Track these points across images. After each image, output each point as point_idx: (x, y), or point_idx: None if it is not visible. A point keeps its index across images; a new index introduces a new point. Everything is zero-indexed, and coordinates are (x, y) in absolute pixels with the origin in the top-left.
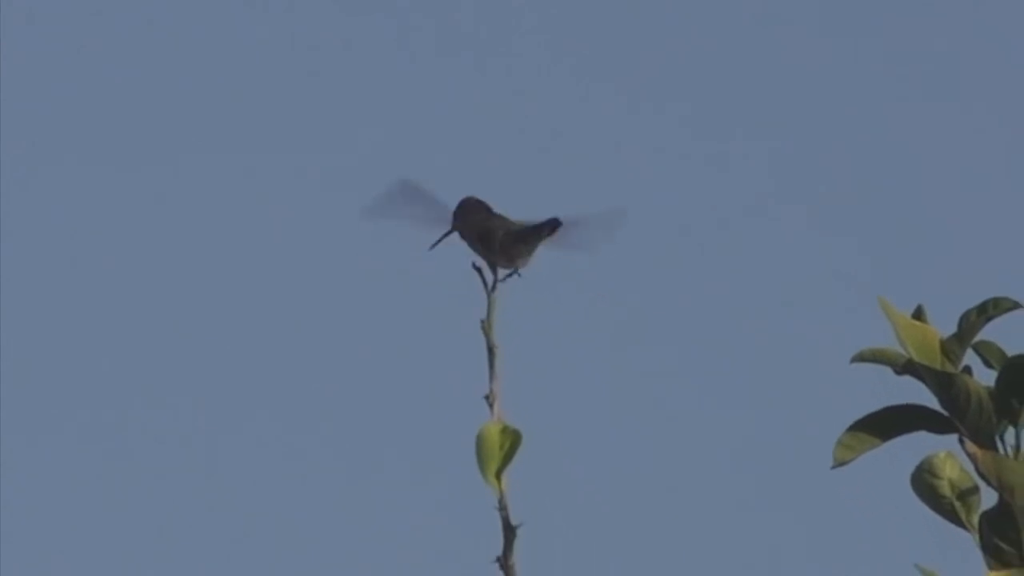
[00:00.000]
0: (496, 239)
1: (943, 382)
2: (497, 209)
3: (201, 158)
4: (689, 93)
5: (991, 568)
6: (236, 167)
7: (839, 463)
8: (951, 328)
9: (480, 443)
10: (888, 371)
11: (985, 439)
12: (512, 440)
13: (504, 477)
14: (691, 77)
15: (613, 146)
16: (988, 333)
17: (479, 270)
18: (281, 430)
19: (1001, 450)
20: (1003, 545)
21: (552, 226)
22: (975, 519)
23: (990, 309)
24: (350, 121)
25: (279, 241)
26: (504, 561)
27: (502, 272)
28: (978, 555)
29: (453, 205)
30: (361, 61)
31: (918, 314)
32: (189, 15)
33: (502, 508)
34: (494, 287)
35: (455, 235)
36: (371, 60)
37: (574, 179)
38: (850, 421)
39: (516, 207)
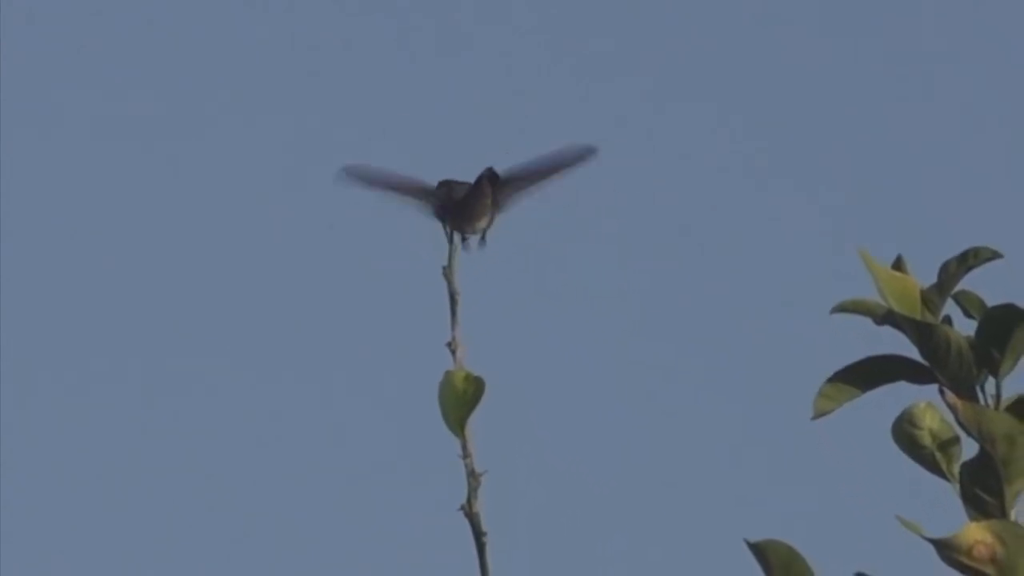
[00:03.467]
0: (449, 209)
1: (923, 332)
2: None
3: (200, 158)
4: (690, 93)
5: (972, 518)
6: (235, 166)
7: (819, 414)
8: (931, 278)
9: (443, 391)
10: (868, 321)
11: (965, 389)
12: (475, 388)
13: (468, 425)
14: (691, 77)
15: (611, 146)
16: (968, 283)
17: (440, 217)
18: (245, 377)
19: (981, 400)
20: (984, 495)
21: (490, 178)
22: (956, 469)
23: (970, 259)
24: (349, 121)
25: (277, 238)
26: (469, 509)
27: (472, 238)
28: (959, 505)
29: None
30: (361, 61)
31: (898, 264)
32: (189, 15)
33: (466, 456)
34: (460, 245)
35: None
36: (371, 60)
37: (570, 180)
38: (830, 372)
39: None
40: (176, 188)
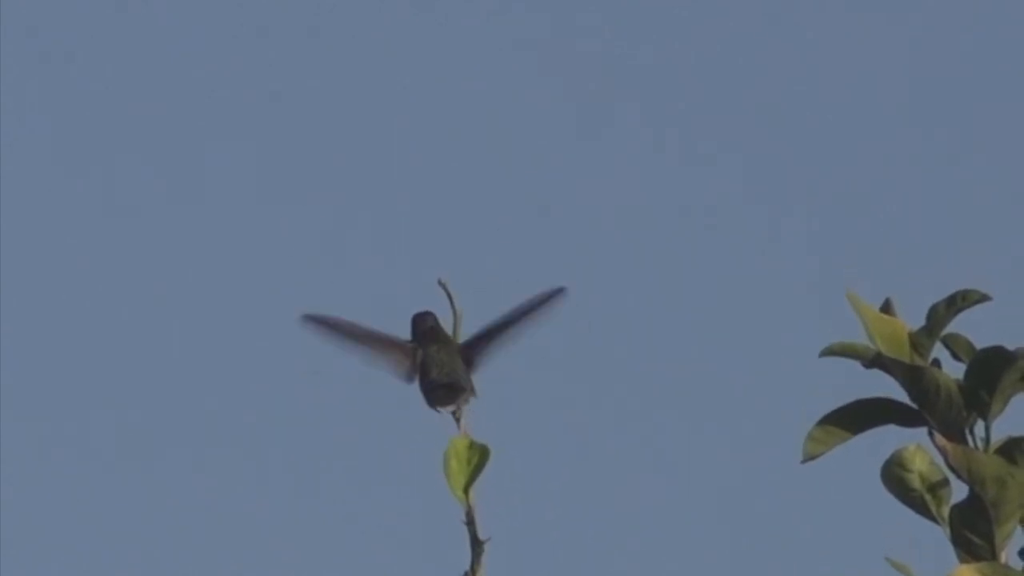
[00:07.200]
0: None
1: (912, 375)
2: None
3: (198, 157)
4: (681, 133)
5: (962, 561)
6: (235, 166)
7: (809, 457)
8: (920, 321)
9: (448, 458)
10: (857, 365)
11: (955, 432)
12: (480, 455)
13: (472, 492)
14: (681, 118)
15: (607, 158)
16: (957, 326)
17: (444, 285)
18: (252, 447)
19: (971, 443)
20: (973, 538)
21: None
22: (945, 512)
23: (959, 302)
24: (348, 120)
25: (279, 236)
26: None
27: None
28: (949, 548)
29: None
30: (362, 62)
31: (886, 307)
32: (189, 15)
33: (470, 523)
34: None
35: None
36: (372, 62)
37: (564, 192)
38: (820, 415)
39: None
40: (173, 189)
